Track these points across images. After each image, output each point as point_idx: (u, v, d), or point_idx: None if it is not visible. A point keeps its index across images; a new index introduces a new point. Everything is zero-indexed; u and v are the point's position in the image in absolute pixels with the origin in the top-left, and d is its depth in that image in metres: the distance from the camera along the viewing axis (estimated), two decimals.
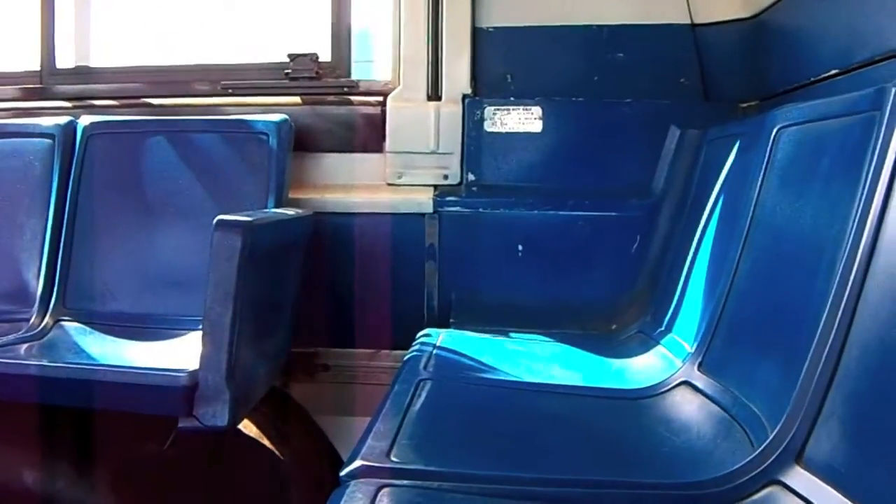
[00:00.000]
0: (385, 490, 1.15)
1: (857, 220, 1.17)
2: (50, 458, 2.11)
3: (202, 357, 1.75)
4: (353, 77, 2.62)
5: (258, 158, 2.35)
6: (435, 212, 2.42)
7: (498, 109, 2.42)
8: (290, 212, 2.25)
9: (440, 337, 2.08)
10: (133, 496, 2.18)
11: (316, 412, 2.54)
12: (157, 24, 3.02)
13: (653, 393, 1.64)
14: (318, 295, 2.41)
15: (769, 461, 1.15)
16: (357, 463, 1.23)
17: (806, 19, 1.96)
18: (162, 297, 2.30)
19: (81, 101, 2.65)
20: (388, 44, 2.56)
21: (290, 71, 2.60)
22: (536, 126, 2.41)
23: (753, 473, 1.16)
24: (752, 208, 1.60)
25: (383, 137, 2.49)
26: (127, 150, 2.43)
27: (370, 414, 1.49)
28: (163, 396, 1.76)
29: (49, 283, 2.35)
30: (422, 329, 2.19)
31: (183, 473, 2.21)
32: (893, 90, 1.19)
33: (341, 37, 2.63)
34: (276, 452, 2.34)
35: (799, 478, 1.10)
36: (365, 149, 2.52)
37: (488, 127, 2.42)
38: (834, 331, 1.13)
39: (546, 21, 2.43)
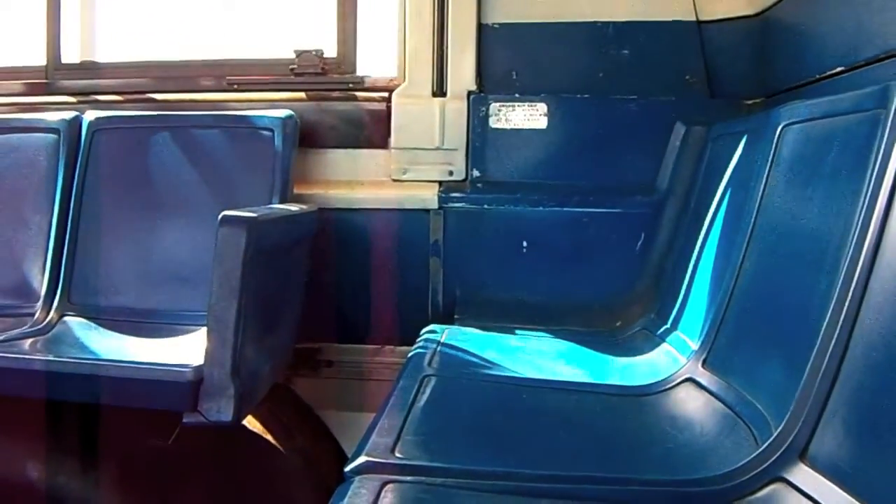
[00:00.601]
0: (389, 486, 1.15)
1: (861, 218, 1.16)
2: (54, 453, 2.12)
3: (207, 352, 1.75)
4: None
5: (263, 154, 2.35)
6: (440, 208, 2.42)
7: (503, 106, 2.42)
8: (295, 208, 2.25)
9: (444, 333, 2.08)
10: (137, 491, 2.19)
11: (320, 408, 2.55)
12: (162, 19, 3.01)
13: (657, 390, 1.64)
14: (322, 291, 2.41)
15: (773, 458, 1.15)
16: (361, 459, 1.23)
17: (811, 16, 1.96)
18: (167, 292, 2.30)
19: (87, 97, 2.66)
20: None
21: (295, 67, 2.61)
22: (541, 123, 2.41)
23: (757, 470, 1.16)
24: (756, 205, 1.60)
25: (388, 133, 2.49)
26: (132, 146, 2.44)
27: (374, 410, 1.49)
28: (167, 391, 1.76)
29: (54, 278, 2.36)
30: (426, 325, 2.19)
31: (187, 468, 2.21)
32: None
33: (347, 33, 2.63)
34: (280, 448, 2.34)
35: (803, 475, 1.10)
36: (370, 145, 2.51)
37: (493, 123, 2.42)
38: (838, 328, 1.13)
39: (551, 17, 2.42)
